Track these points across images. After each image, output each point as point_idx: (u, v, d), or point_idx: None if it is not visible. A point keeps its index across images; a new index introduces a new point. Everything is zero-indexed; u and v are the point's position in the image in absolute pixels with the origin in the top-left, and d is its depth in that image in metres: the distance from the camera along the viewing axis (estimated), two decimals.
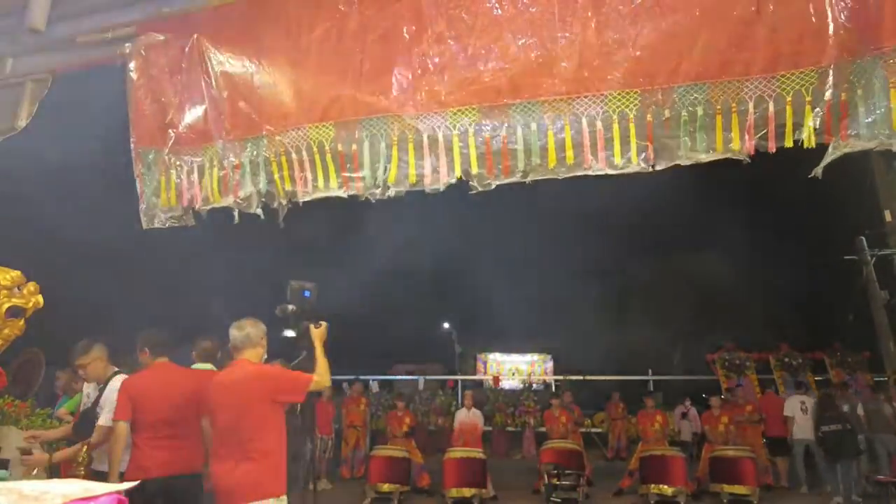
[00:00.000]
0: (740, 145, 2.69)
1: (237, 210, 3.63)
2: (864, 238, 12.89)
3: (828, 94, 2.53)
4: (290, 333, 3.61)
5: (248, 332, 3.23)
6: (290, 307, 3.60)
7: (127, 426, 3.47)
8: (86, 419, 3.67)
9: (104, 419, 3.55)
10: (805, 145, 2.62)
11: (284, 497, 3.07)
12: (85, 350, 3.74)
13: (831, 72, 2.52)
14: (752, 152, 2.69)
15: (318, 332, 3.43)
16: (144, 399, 3.51)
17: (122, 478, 3.42)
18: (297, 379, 3.23)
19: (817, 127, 2.57)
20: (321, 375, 3.28)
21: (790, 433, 8.95)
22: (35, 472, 3.72)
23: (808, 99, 2.57)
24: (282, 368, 3.45)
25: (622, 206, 19.97)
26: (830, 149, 2.61)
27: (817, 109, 2.56)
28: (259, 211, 3.60)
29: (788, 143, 2.63)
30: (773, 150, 2.67)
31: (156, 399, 3.52)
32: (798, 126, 2.61)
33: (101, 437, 3.54)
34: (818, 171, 2.69)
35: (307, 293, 3.68)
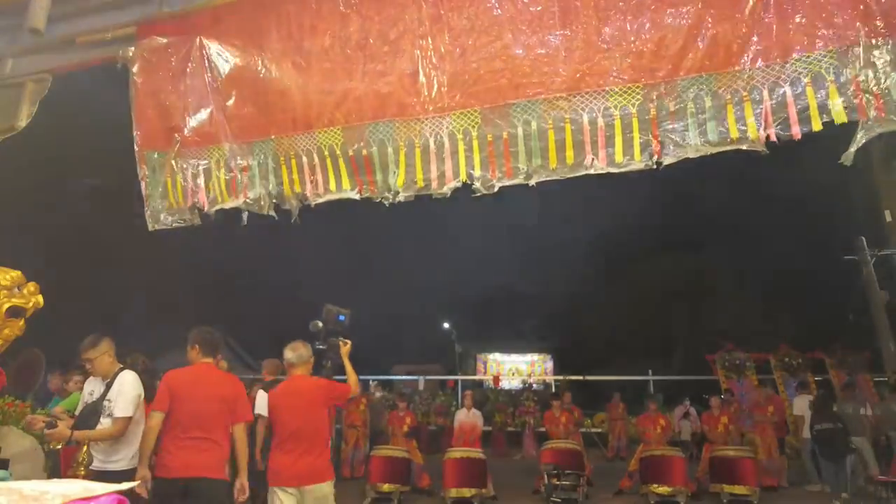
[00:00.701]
0: (757, 134, 2.58)
1: (247, 211, 3.64)
2: (863, 238, 12.89)
3: (854, 73, 2.44)
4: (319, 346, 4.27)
5: (301, 352, 4.01)
6: (320, 324, 4.30)
7: (162, 417, 3.52)
8: (88, 414, 3.66)
9: (123, 411, 3.55)
10: (836, 122, 2.48)
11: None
12: (93, 344, 3.73)
13: (856, 50, 2.43)
14: (773, 139, 2.59)
15: (345, 349, 4.20)
16: (182, 396, 3.56)
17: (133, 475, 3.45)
18: (343, 388, 4.11)
19: (847, 106, 2.46)
20: (355, 385, 4.21)
21: (800, 432, 9.01)
22: (59, 446, 3.78)
23: (831, 79, 2.47)
24: (330, 380, 4.15)
25: (622, 206, 20.00)
26: (860, 130, 2.49)
27: (843, 89, 2.45)
28: (272, 212, 3.62)
29: (816, 127, 2.51)
30: (798, 137, 2.53)
31: (192, 398, 3.56)
32: (823, 109, 2.50)
33: (122, 427, 3.54)
34: (848, 156, 2.55)
35: (342, 318, 4.43)
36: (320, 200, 3.49)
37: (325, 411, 3.98)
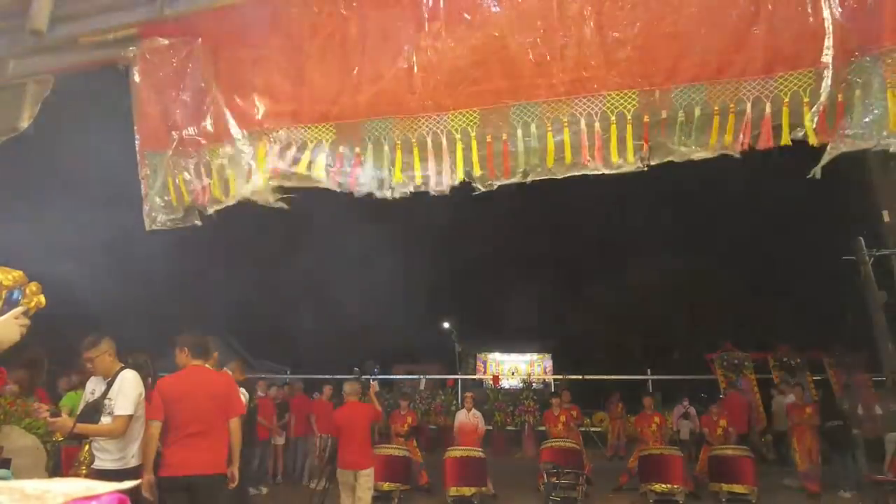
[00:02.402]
0: (733, 143, 2.68)
1: (252, 203, 3.62)
2: (862, 238, 12.91)
3: (824, 95, 2.52)
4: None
5: (355, 387, 6.16)
6: (358, 370, 7.00)
7: (159, 425, 3.66)
8: (89, 412, 3.69)
9: (122, 409, 3.61)
10: (809, 142, 2.60)
11: None
12: (94, 344, 3.78)
13: (828, 72, 2.51)
14: (746, 148, 2.68)
15: (372, 389, 6.66)
16: (175, 400, 3.70)
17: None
18: (379, 412, 6.30)
19: (815, 127, 2.56)
20: (381, 413, 6.45)
21: None
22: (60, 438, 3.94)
23: (806, 100, 2.56)
24: (374, 406, 6.26)
25: (621, 206, 20.03)
26: (828, 149, 2.59)
27: (814, 109, 2.54)
28: (282, 204, 3.60)
29: (785, 142, 2.62)
30: (770, 147, 2.65)
31: (186, 401, 3.71)
32: (794, 126, 2.61)
33: (122, 425, 3.60)
34: (816, 171, 2.68)
35: (376, 370, 6.66)
36: (298, 185, 3.48)
37: (369, 425, 6.03)
